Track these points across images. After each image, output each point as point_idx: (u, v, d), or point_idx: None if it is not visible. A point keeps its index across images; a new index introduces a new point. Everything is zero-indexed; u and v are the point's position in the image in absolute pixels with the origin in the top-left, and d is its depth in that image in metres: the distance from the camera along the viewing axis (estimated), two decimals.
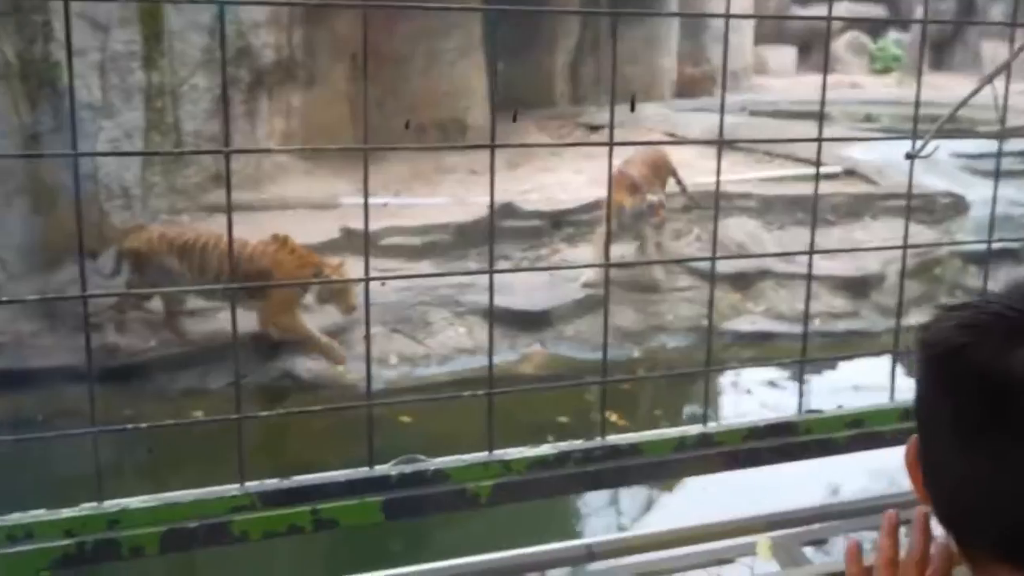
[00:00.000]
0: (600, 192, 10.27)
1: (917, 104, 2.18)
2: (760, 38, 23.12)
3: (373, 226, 9.19)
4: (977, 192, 10.92)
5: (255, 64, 10.43)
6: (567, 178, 11.63)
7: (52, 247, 8.30)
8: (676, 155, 12.68)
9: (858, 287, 9.18)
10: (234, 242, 7.12)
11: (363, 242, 1.94)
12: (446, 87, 13.24)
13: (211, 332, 7.74)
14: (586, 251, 9.47)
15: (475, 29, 13.53)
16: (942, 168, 11.58)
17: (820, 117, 2.14)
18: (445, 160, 12.40)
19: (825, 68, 1.96)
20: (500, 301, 8.36)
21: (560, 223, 9.81)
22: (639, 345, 8.35)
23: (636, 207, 8.84)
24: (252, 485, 1.79)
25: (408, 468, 1.87)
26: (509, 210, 9.67)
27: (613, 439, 2.01)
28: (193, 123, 9.71)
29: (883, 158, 11.66)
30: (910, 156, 1.97)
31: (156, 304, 8.09)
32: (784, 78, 23.21)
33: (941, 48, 24.93)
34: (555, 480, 1.93)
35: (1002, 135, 2.28)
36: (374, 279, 1.93)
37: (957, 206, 10.62)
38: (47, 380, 7.21)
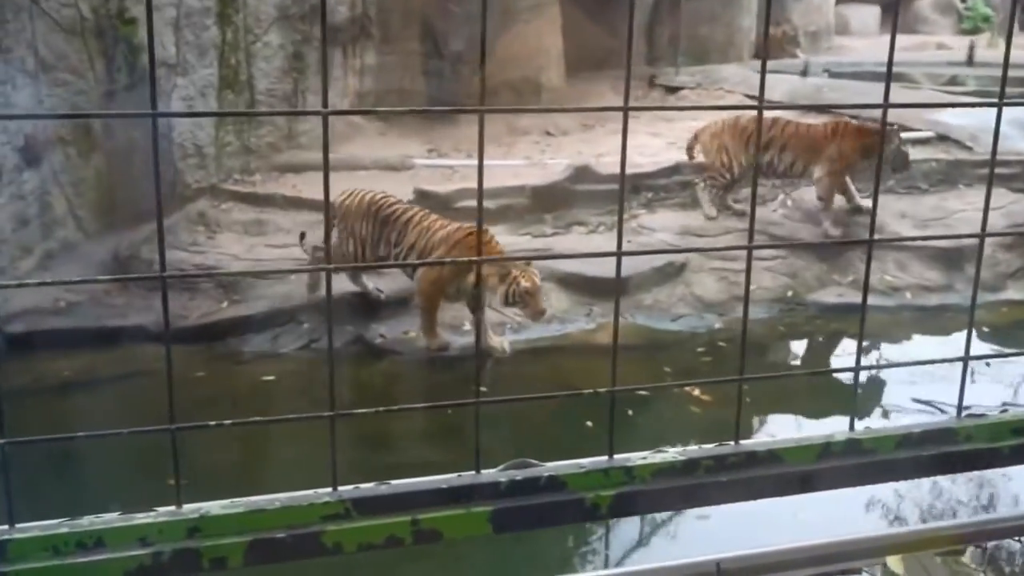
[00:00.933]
0: (679, 155, 9.94)
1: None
2: None
3: (445, 188, 9.03)
4: None
5: (328, 21, 10.23)
6: (643, 141, 11.27)
7: (128, 206, 8.27)
8: (751, 119, 12.30)
9: (952, 259, 8.73)
10: (430, 222, 7.01)
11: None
12: (520, 47, 12.92)
13: (282, 295, 7.64)
14: (665, 217, 9.15)
15: None
16: None
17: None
18: (519, 121, 12.12)
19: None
20: (575, 267, 8.13)
21: (638, 187, 9.49)
22: (721, 316, 8.04)
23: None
24: (346, 490, 1.58)
25: (519, 474, 1.65)
26: (585, 173, 9.40)
27: (749, 444, 1.76)
28: (266, 81, 9.57)
29: (978, 122, 11.10)
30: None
31: (231, 265, 8.01)
32: (866, 38, 22.38)
33: None
34: (683, 490, 1.70)
35: None
36: (484, 260, 1.70)
37: None
38: (121, 338, 7.19)
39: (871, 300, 8.36)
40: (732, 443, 1.76)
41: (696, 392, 6.71)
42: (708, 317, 8.02)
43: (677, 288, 8.23)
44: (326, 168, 1.63)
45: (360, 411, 1.68)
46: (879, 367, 7.70)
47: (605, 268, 8.15)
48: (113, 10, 7.95)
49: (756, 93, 11.13)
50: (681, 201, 9.48)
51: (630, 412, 6.39)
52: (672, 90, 14.50)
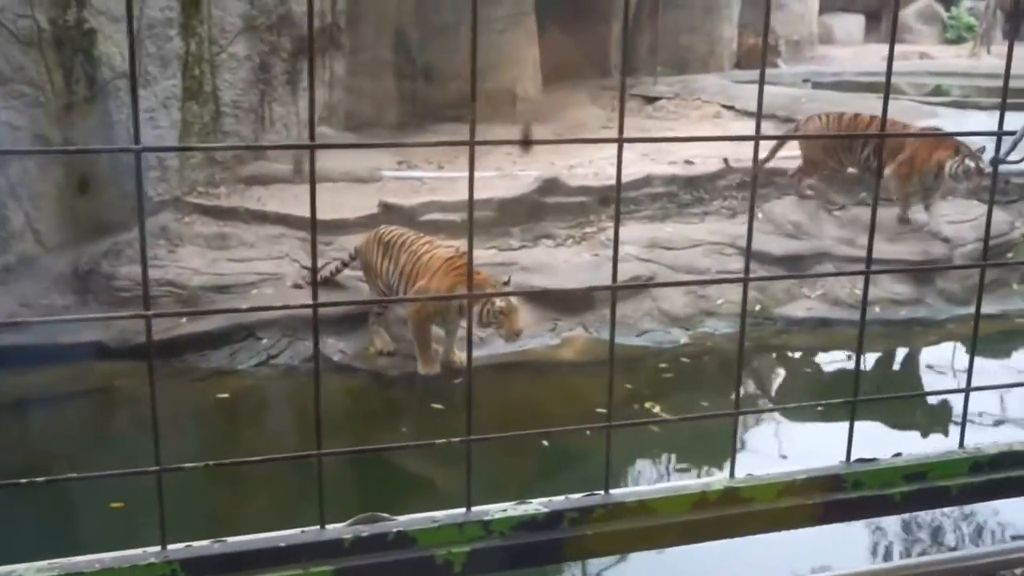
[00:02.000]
0: (651, 167, 9.87)
1: (1004, 102, 1.78)
2: (826, 6, 22.30)
3: (411, 201, 8.93)
4: None
5: (297, 31, 10.13)
6: (615, 152, 11.15)
7: (87, 219, 8.15)
8: (735, 129, 12.25)
9: (924, 273, 8.66)
10: (419, 245, 6.92)
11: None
12: (495, 57, 12.84)
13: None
14: (633, 230, 9.05)
15: None
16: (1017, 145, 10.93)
17: (884, 112, 1.75)
18: (491, 132, 12.02)
19: (892, 39, 1.57)
20: (541, 281, 8.04)
21: (608, 199, 9.40)
22: (688, 331, 7.96)
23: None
24: (175, 550, 1.48)
25: (366, 530, 1.55)
26: (554, 185, 9.31)
27: (618, 494, 1.67)
28: (232, 92, 9.47)
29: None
30: (998, 162, 1.59)
31: (190, 281, 7.91)
32: (850, 47, 22.38)
33: (1018, 16, 23.84)
34: (545, 546, 1.60)
35: None
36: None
37: None
38: (76, 355, 7.08)
39: (840, 314, 8.30)
40: (601, 493, 1.67)
41: (656, 409, 6.62)
42: (675, 332, 7.93)
43: (644, 303, 8.14)
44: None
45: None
46: (875, 399, 7.61)
47: (570, 282, 8.07)
48: (72, 20, 7.84)
49: (733, 103, 11.08)
50: (650, 214, 9.40)
51: (588, 432, 6.29)
52: (650, 100, 14.43)
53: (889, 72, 1.74)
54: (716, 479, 1.72)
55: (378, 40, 11.80)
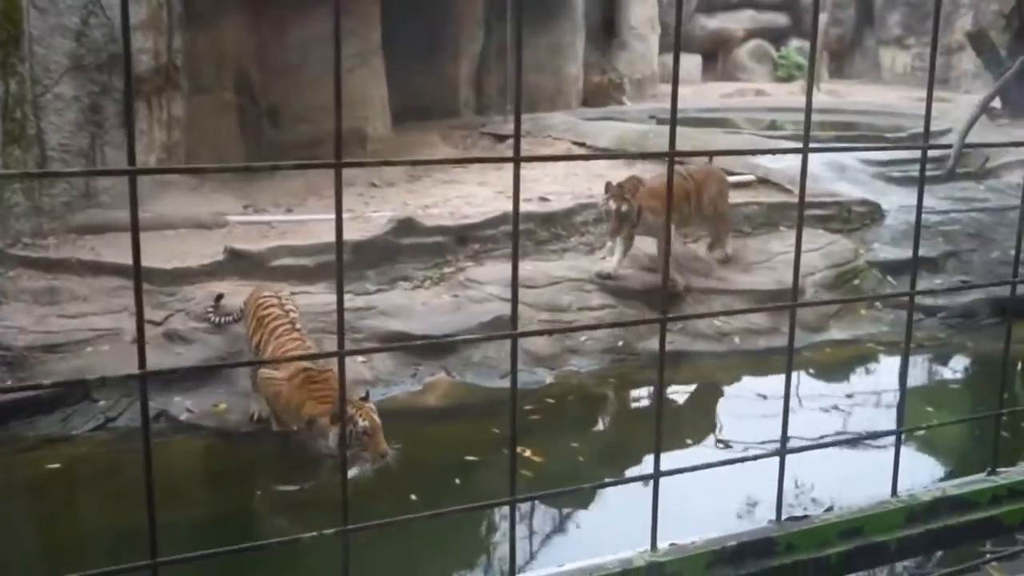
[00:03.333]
0: (506, 205, 9.72)
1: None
2: (665, 47, 22.94)
3: (259, 246, 8.50)
4: (891, 199, 10.68)
5: (132, 71, 9.58)
6: (472, 191, 11.03)
7: None
8: (585, 167, 12.26)
9: (777, 301, 8.79)
10: (291, 337, 6.08)
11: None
12: (343, 95, 12.50)
13: (74, 370, 6.91)
14: (493, 268, 8.86)
15: (373, 35, 12.85)
16: (854, 175, 11.35)
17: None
18: (344, 173, 11.68)
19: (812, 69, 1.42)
20: (399, 326, 7.74)
21: (465, 239, 9.19)
22: (552, 370, 7.78)
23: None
24: None
25: None
26: (409, 226, 9.02)
27: None
28: (59, 136, 8.82)
29: (796, 166, 11.36)
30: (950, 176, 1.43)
31: (15, 341, 7.23)
32: (690, 86, 23.06)
33: (841, 56, 25.16)
34: None
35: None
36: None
37: (873, 214, 10.34)
38: None
39: (703, 347, 8.30)
40: None
41: (527, 453, 6.39)
42: (539, 372, 7.74)
43: (506, 344, 7.91)
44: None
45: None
46: (805, 448, 7.59)
47: (430, 326, 7.80)
48: None
49: (584, 140, 11.11)
50: (509, 252, 9.23)
51: (457, 481, 6.02)
52: (501, 138, 14.36)
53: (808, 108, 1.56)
54: (636, 554, 1.48)
55: (218, 80, 11.30)
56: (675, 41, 1.48)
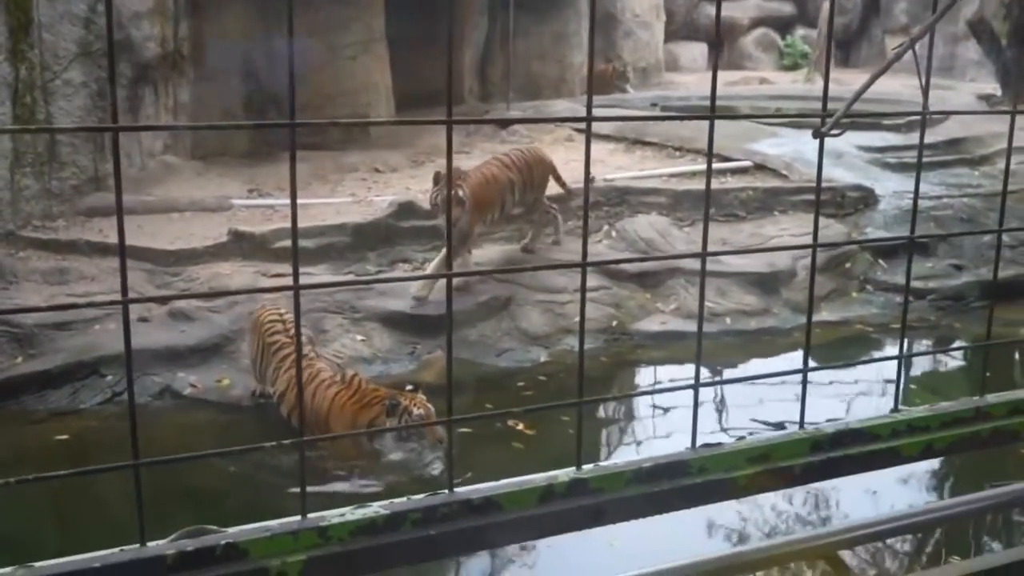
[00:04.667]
0: None
1: (827, 80, 1.84)
2: (670, 35, 23.06)
3: (262, 228, 8.71)
4: (885, 185, 10.84)
5: (137, 58, 9.79)
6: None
7: None
8: (579, 152, 12.42)
9: (769, 283, 8.98)
10: (302, 364, 6.18)
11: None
12: (347, 83, 12.73)
13: (83, 346, 7.15)
14: (489, 251, 9.09)
15: (376, 22, 13.03)
16: (850, 161, 11.50)
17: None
18: (346, 158, 11.90)
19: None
20: (396, 305, 7.95)
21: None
22: (546, 348, 7.99)
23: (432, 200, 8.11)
24: None
25: (191, 544, 1.44)
26: (410, 209, 9.23)
27: (463, 492, 1.61)
28: (68, 120, 9.04)
29: (792, 152, 11.54)
30: (819, 134, 1.63)
31: (26, 319, 7.46)
32: (695, 73, 23.19)
33: (847, 45, 25.22)
34: (388, 549, 1.53)
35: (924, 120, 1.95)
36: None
37: (866, 199, 10.50)
38: None
39: (694, 327, 8.49)
40: (445, 492, 1.60)
41: (519, 426, 6.60)
42: (534, 350, 7.95)
43: (503, 322, 8.14)
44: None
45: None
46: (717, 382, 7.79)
47: (427, 306, 8.01)
48: None
49: (583, 127, 11.20)
50: (505, 235, 9.43)
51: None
52: (504, 125, 14.54)
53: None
54: (562, 472, 1.69)
55: (224, 67, 11.51)
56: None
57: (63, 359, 7.05)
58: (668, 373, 8.08)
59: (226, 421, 6.86)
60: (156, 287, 7.88)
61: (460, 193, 7.99)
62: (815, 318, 8.80)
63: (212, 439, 6.77)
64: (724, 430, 6.90)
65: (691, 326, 8.49)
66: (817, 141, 1.80)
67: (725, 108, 17.64)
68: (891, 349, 8.77)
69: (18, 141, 8.52)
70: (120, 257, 1.38)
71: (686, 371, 8.23)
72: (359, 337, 7.72)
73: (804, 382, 1.89)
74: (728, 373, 8.19)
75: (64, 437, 6.36)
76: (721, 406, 7.32)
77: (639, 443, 6.89)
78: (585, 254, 1.68)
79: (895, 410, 1.97)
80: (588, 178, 1.66)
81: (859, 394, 7.53)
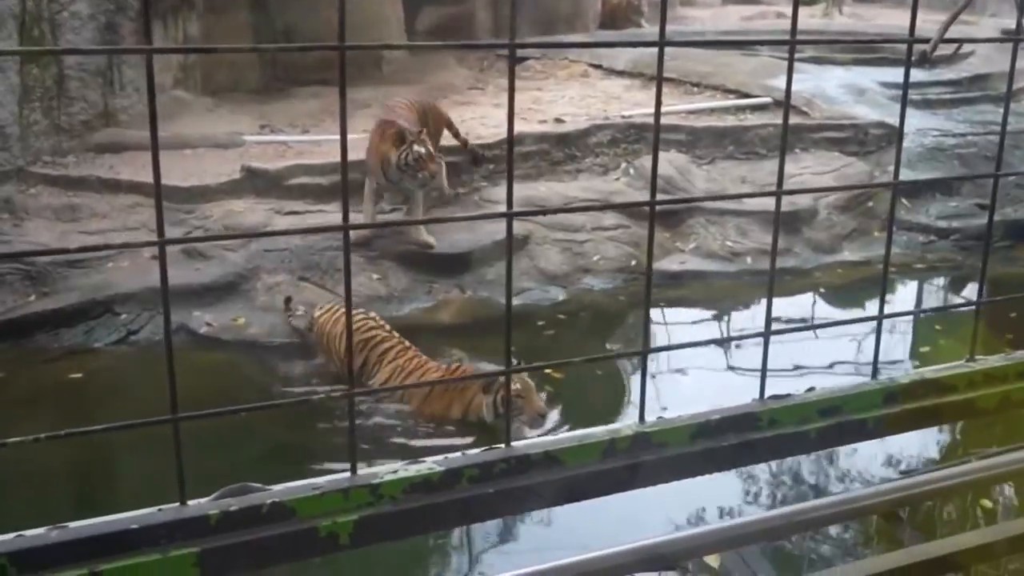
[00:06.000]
0: (522, 127, 9.73)
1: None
2: None
3: (275, 165, 8.57)
4: (908, 122, 10.60)
5: None
6: (487, 112, 11.01)
7: None
8: (601, 89, 12.19)
9: (790, 223, 8.82)
10: (405, 360, 6.06)
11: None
12: (358, 16, 12.41)
13: (96, 285, 7.06)
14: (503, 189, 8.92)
15: None
16: (873, 98, 11.26)
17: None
18: (359, 94, 11.67)
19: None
20: (413, 245, 7.82)
21: (480, 159, 9.21)
22: (565, 288, 7.88)
23: (402, 160, 7.44)
24: (2, 541, 1.25)
25: (234, 503, 1.34)
26: None
27: (521, 446, 1.50)
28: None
29: (813, 88, 11.30)
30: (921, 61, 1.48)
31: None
32: (710, 8, 22.73)
33: None
34: (443, 508, 1.43)
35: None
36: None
37: (889, 136, 10.28)
38: None
39: (714, 267, 8.38)
40: (501, 447, 1.50)
41: (547, 371, 6.52)
42: (552, 290, 7.85)
43: (521, 261, 8.02)
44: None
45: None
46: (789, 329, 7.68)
47: (445, 244, 7.90)
48: None
49: (600, 62, 10.98)
50: (523, 173, 9.26)
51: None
52: (517, 60, 14.27)
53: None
54: (625, 425, 1.58)
55: (233, 0, 11.25)
56: None
57: (76, 297, 6.98)
58: (688, 315, 7.97)
59: (242, 360, 6.79)
60: (169, 225, 7.72)
61: (426, 151, 7.49)
62: (837, 258, 8.73)
63: (231, 379, 6.69)
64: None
65: (710, 265, 8.37)
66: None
67: (739, 44, 17.29)
68: (910, 291, 8.66)
69: (26, 75, 8.34)
70: (156, 197, 1.25)
71: (703, 314, 8.12)
72: (375, 276, 7.61)
73: (879, 331, 1.77)
74: (751, 314, 8.07)
75: (78, 375, 6.30)
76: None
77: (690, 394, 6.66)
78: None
79: (971, 359, 1.85)
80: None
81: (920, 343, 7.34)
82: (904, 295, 8.47)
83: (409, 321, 7.14)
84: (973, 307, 1.92)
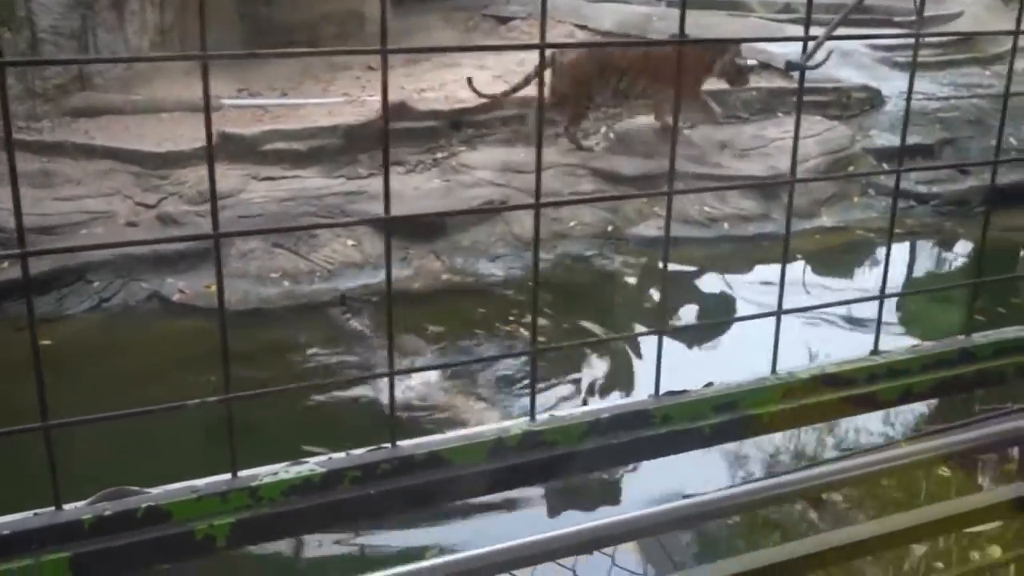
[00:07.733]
0: (501, 88, 9.66)
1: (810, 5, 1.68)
2: None
3: (252, 130, 8.52)
4: (893, 85, 10.55)
5: None
6: (472, 74, 10.91)
7: None
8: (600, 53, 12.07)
9: (769, 188, 8.80)
10: None
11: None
12: None
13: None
14: (486, 154, 8.88)
15: None
16: (858, 60, 11.17)
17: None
18: (340, 56, 11.58)
19: None
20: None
21: (459, 124, 9.17)
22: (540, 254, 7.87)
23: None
24: None
25: (109, 507, 1.35)
26: (402, 110, 9.00)
27: (406, 445, 1.51)
28: (49, 17, 8.76)
29: (799, 50, 11.19)
30: (794, 67, 1.47)
31: (8, 223, 7.33)
32: None
33: None
34: (323, 510, 1.44)
35: (918, 33, 1.78)
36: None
37: (872, 100, 10.23)
38: None
39: (691, 232, 8.37)
40: (387, 446, 1.51)
41: (521, 331, 6.55)
42: (527, 256, 7.84)
43: (497, 227, 8.02)
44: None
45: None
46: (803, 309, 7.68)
47: (420, 209, 7.87)
48: None
49: (586, 23, 10.90)
50: (503, 137, 9.23)
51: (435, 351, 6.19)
52: (503, 20, 14.15)
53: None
54: (514, 423, 1.59)
55: None
56: None
57: (48, 265, 6.95)
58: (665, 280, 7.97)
59: (215, 328, 6.78)
60: (143, 190, 7.74)
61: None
62: (815, 223, 8.71)
63: (203, 347, 6.70)
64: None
65: (687, 231, 8.36)
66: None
67: (732, 4, 17.10)
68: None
69: None
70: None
71: (682, 278, 8.12)
72: (350, 242, 7.61)
73: (778, 326, 1.77)
74: (731, 279, 8.06)
75: (47, 342, 6.31)
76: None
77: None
78: (539, 195, 1.53)
79: (874, 352, 1.86)
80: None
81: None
82: (882, 262, 8.46)
83: (383, 288, 7.13)
84: (965, 284, 1.92)
